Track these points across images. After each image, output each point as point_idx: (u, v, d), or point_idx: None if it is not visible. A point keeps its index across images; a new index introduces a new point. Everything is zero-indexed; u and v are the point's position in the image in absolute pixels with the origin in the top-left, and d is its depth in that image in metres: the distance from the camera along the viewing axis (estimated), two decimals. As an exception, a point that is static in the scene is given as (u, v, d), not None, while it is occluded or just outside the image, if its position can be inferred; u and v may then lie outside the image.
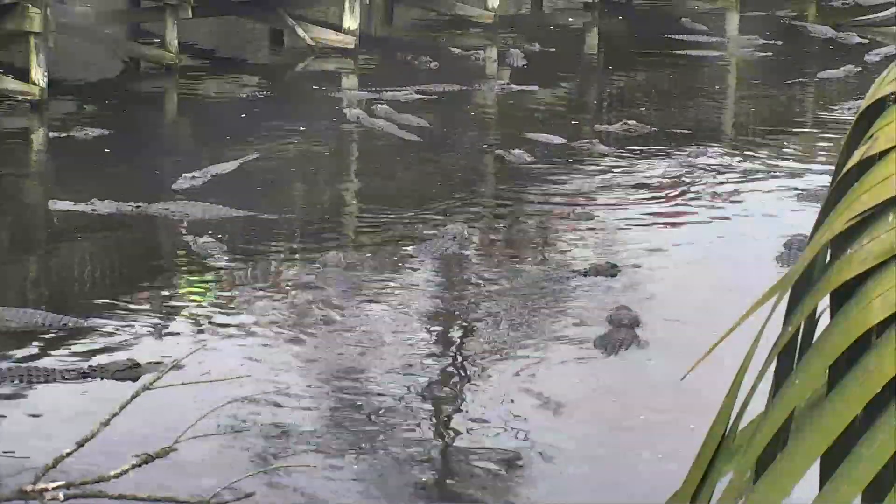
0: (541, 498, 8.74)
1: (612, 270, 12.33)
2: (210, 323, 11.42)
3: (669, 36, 23.74)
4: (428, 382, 10.33)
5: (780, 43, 23.63)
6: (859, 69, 21.10)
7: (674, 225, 14.09)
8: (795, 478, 2.03)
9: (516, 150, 16.27)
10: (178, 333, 11.14)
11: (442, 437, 9.54)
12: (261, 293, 12.03)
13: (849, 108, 18.35)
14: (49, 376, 10.11)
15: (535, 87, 20.05)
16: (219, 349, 10.73)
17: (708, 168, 16.22)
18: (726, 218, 14.25)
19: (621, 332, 11.00)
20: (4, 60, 19.33)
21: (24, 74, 18.01)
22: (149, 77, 20.73)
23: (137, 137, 16.95)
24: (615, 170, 15.98)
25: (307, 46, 21.80)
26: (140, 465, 5.81)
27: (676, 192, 15.22)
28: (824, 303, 2.20)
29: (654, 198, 15.00)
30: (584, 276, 12.25)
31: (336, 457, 9.10)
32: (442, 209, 14.44)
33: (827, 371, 2.11)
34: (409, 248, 13.20)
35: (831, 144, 16.96)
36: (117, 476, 5.76)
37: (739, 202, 14.86)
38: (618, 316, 11.21)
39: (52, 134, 17.07)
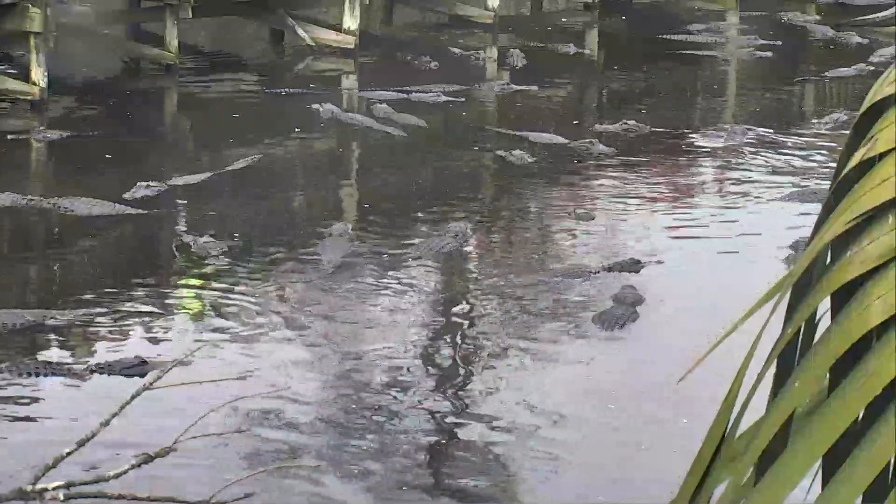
0: (543, 492, 8.75)
1: (634, 266, 12.47)
2: (210, 322, 11.42)
3: (669, 37, 23.72)
4: (432, 379, 10.33)
5: (779, 43, 23.61)
6: (871, 68, 21.05)
7: (676, 226, 14.09)
8: (795, 480, 2.03)
9: (517, 151, 16.27)
10: (178, 333, 11.15)
11: (446, 434, 9.53)
12: (261, 292, 12.03)
13: (856, 110, 18.30)
14: (56, 373, 10.14)
15: (535, 87, 20.04)
16: (219, 349, 10.74)
17: (717, 165, 16.32)
18: (735, 218, 14.23)
19: (621, 309, 11.37)
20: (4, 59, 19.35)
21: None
22: (148, 77, 20.71)
23: (100, 141, 16.73)
24: (615, 169, 15.98)
25: (307, 46, 21.79)
26: (140, 465, 5.81)
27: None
28: (825, 304, 2.20)
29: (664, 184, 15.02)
30: (609, 271, 12.37)
31: (337, 456, 9.10)
32: (443, 208, 14.45)
33: (827, 373, 2.12)
34: (411, 246, 13.21)
35: (839, 144, 16.96)
36: (117, 476, 5.76)
37: (746, 202, 14.85)
38: (622, 294, 11.65)
39: (10, 136, 16.91)
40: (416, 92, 18.96)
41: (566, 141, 16.85)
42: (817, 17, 25.95)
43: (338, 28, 21.84)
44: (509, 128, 17.69)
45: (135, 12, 22.40)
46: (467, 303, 12.00)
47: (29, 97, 17.91)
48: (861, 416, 2.05)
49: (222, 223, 13.75)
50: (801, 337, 2.19)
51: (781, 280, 2.28)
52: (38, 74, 17.83)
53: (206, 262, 12.64)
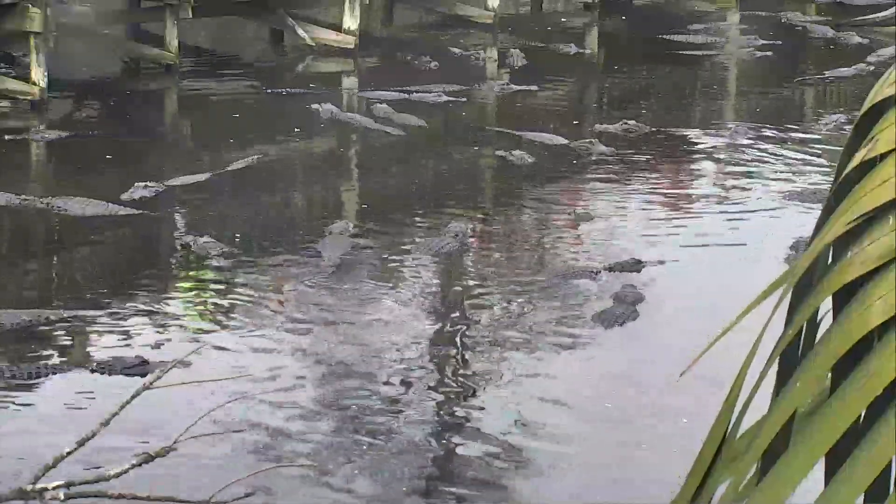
0: (546, 490, 8.75)
1: (636, 266, 12.51)
2: (211, 322, 11.42)
3: (669, 37, 23.73)
4: (431, 378, 10.34)
5: (779, 43, 23.63)
6: (871, 68, 21.05)
7: (677, 226, 14.08)
8: (796, 480, 2.03)
9: (517, 151, 16.27)
10: (179, 333, 11.15)
11: (445, 434, 9.53)
12: (261, 292, 12.03)
13: (856, 110, 18.27)
14: (57, 373, 10.15)
15: (535, 87, 20.04)
16: (219, 348, 10.74)
17: (715, 164, 16.36)
18: (736, 219, 14.23)
19: (621, 308, 11.46)
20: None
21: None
22: (148, 77, 20.72)
23: (99, 142, 16.71)
24: (615, 169, 15.98)
25: (307, 46, 21.80)
26: (140, 465, 5.80)
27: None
28: (827, 304, 2.20)
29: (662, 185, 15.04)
30: (610, 271, 12.40)
31: (337, 456, 9.10)
32: (443, 208, 14.45)
33: (828, 373, 2.12)
34: (411, 246, 13.21)
35: (839, 144, 16.96)
36: (117, 476, 5.76)
37: (747, 202, 14.85)
38: (622, 293, 11.74)
39: (7, 136, 16.85)
40: (417, 92, 18.96)
41: (566, 141, 16.85)
42: (817, 17, 25.96)
43: (338, 28, 21.84)
44: (509, 128, 17.68)
45: (135, 12, 22.41)
46: (467, 302, 11.99)
47: (29, 97, 17.91)
48: (862, 416, 2.05)
49: (221, 223, 13.75)
50: (802, 337, 2.20)
51: (780, 277, 2.28)
52: (38, 74, 17.84)
53: (206, 261, 12.64)
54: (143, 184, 14.35)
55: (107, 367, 10.20)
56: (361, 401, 9.99)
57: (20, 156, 16.52)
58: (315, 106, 17.98)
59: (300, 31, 21.85)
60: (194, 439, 6.00)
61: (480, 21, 24.07)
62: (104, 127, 17.54)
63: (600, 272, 12.45)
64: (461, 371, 10.62)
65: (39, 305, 11.51)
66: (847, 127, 16.89)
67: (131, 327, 11.19)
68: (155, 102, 19.45)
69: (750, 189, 15.34)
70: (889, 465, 2.03)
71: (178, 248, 13.12)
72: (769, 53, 23.06)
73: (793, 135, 17.91)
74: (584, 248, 13.49)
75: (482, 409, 9.92)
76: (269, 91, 19.27)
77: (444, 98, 18.83)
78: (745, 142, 17.27)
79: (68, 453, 5.80)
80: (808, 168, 16.28)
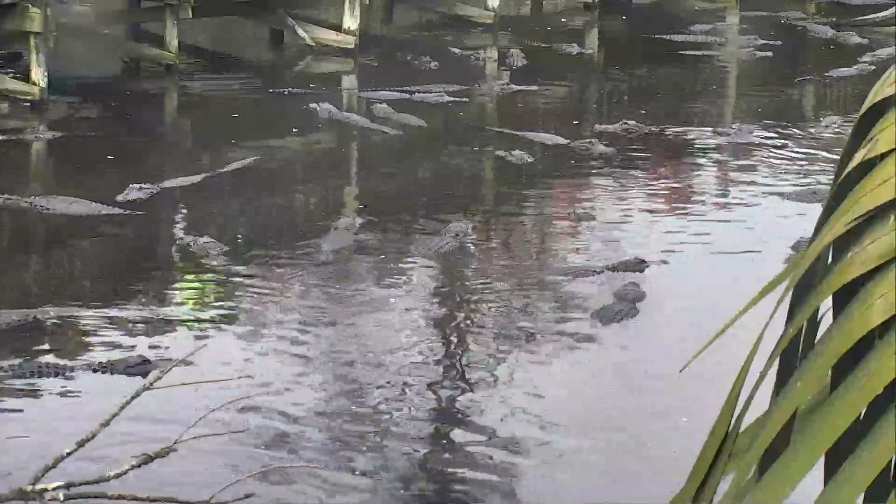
0: (547, 490, 8.75)
1: (638, 266, 12.51)
2: (211, 323, 11.42)
3: (669, 37, 23.73)
4: (431, 378, 10.34)
5: (779, 43, 23.62)
6: (872, 68, 21.04)
7: (678, 226, 14.08)
8: (796, 479, 2.03)
9: (517, 151, 16.27)
10: (179, 333, 11.14)
11: (444, 434, 9.54)
12: (261, 292, 12.03)
13: (856, 110, 18.27)
14: (59, 372, 10.14)
15: (535, 87, 20.04)
16: (219, 349, 10.73)
17: (714, 164, 16.37)
18: (736, 218, 14.23)
19: (621, 305, 11.50)
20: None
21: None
22: (148, 77, 20.71)
23: (97, 142, 16.69)
24: (615, 169, 15.98)
25: (307, 46, 21.80)
26: (140, 466, 5.81)
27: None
28: (827, 303, 2.20)
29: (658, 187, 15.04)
30: (613, 271, 12.40)
31: (337, 456, 9.10)
32: (443, 207, 14.45)
33: (829, 372, 2.12)
34: (411, 245, 13.22)
35: (839, 144, 16.96)
36: (117, 476, 5.76)
37: (747, 202, 14.85)
38: (623, 291, 11.78)
39: (2, 136, 16.82)
40: (418, 92, 18.96)
41: (566, 141, 16.84)
42: (817, 17, 25.96)
43: (338, 28, 21.84)
44: (509, 128, 17.68)
45: (135, 12, 22.41)
46: (467, 302, 12.00)
47: (29, 97, 17.91)
48: (862, 415, 2.05)
49: (221, 223, 13.74)
50: (802, 337, 2.20)
51: (778, 276, 2.28)
52: (38, 74, 17.83)
53: (206, 261, 12.64)
54: (138, 185, 14.27)
55: (109, 367, 10.20)
56: (361, 399, 9.99)
57: (16, 156, 16.49)
58: (313, 105, 17.97)
59: (300, 31, 21.85)
60: (194, 439, 6.00)
61: (480, 21, 24.05)
62: (104, 127, 17.53)
63: (602, 271, 12.45)
64: (461, 369, 10.62)
65: (31, 305, 11.45)
66: (847, 127, 16.89)
67: (132, 327, 11.18)
68: (154, 102, 19.43)
69: (750, 189, 15.34)
70: (889, 465, 2.03)
71: (178, 248, 13.11)
72: (769, 53, 23.05)
73: (793, 135, 17.91)
74: (585, 247, 13.49)
75: (482, 407, 9.92)
76: (272, 91, 19.27)
77: (446, 98, 18.82)
78: (746, 141, 17.26)
79: (68, 454, 5.80)
80: (809, 168, 16.28)
